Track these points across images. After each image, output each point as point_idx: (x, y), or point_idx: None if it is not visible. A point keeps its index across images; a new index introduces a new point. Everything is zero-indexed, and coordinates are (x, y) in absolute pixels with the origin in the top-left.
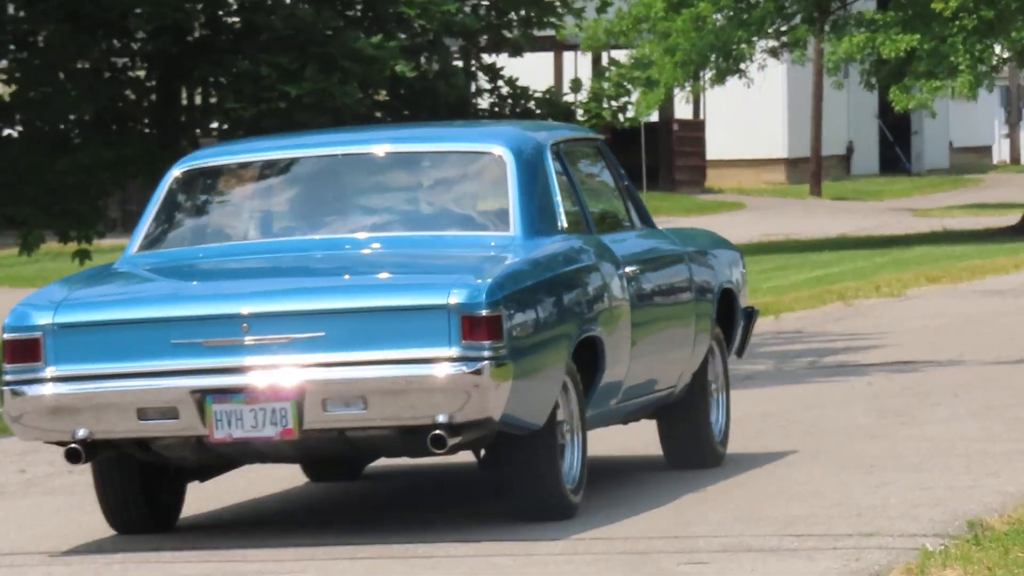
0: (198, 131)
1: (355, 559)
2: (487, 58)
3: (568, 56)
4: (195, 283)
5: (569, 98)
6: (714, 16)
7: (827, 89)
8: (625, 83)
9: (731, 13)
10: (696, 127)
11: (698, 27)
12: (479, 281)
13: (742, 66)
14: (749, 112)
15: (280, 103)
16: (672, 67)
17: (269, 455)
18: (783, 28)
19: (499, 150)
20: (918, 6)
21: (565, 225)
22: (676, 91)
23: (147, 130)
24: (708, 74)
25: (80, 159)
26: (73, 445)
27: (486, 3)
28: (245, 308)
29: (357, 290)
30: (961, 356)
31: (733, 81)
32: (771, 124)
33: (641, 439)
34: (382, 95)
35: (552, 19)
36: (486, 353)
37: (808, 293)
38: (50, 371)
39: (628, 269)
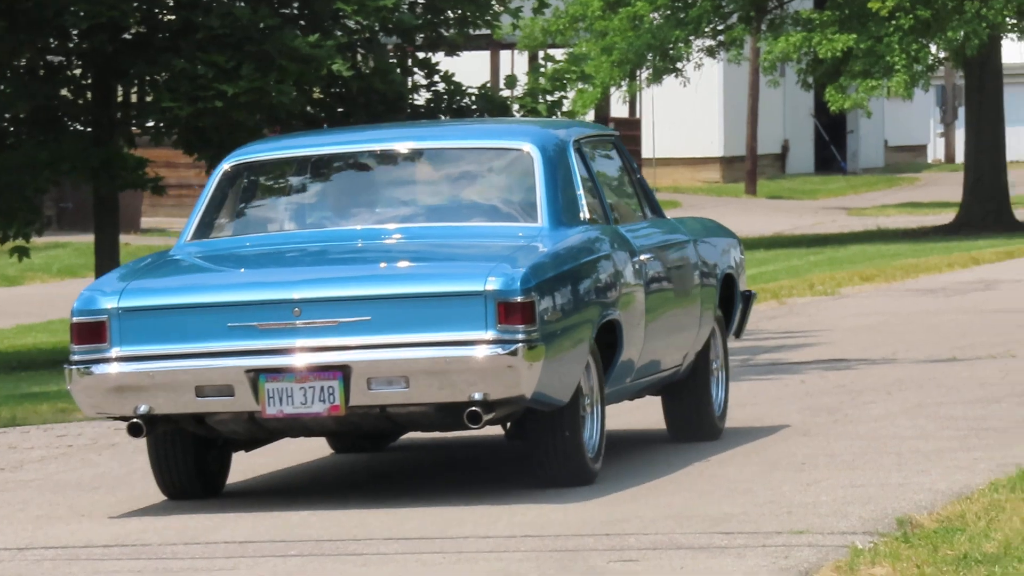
0: (134, 129)
1: (287, 556)
2: (423, 55)
3: (505, 55)
4: (249, 271)
5: (505, 93)
6: (651, 15)
7: (763, 88)
8: (561, 78)
9: (668, 12)
10: (632, 126)
11: (635, 26)
12: (514, 269)
13: (679, 65)
14: (685, 111)
15: (216, 102)
16: (609, 66)
17: (315, 430)
18: (720, 27)
19: (527, 147)
20: (854, 6)
21: (587, 216)
22: (613, 90)
23: (83, 128)
24: (645, 73)
25: (15, 157)
26: (135, 420)
27: (422, 1)
28: (296, 294)
29: (400, 278)
30: (894, 354)
31: (670, 80)
32: (707, 123)
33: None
34: (317, 92)
35: (488, 18)
36: (520, 336)
37: None
38: (115, 351)
39: (642, 257)
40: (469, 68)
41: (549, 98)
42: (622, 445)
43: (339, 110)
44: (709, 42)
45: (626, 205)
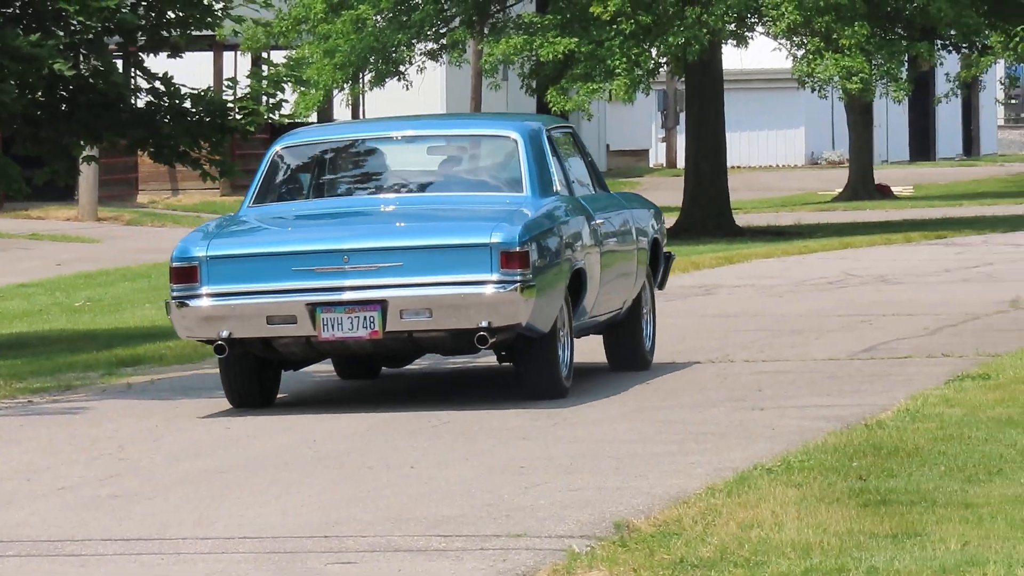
0: None
1: (4, 557)
2: (145, 57)
3: (228, 56)
4: (307, 228)
5: (228, 95)
6: (374, 18)
7: (485, 91)
8: (280, 81)
9: (391, 16)
10: None
11: (358, 29)
12: (511, 227)
13: (401, 68)
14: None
15: None
16: (331, 69)
17: (356, 350)
18: (443, 31)
19: (513, 134)
20: (576, 10)
21: (558, 188)
22: (335, 93)
23: None
24: (367, 76)
25: None
26: (220, 342)
27: (145, 2)
28: (345, 245)
29: (425, 233)
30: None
31: (392, 83)
32: None
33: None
34: (38, 95)
35: (210, 19)
36: (518, 278)
37: None
38: (204, 289)
39: (597, 221)
40: (195, 69)
41: (270, 101)
42: (337, 451)
43: (63, 108)
44: (432, 45)
45: (581, 180)
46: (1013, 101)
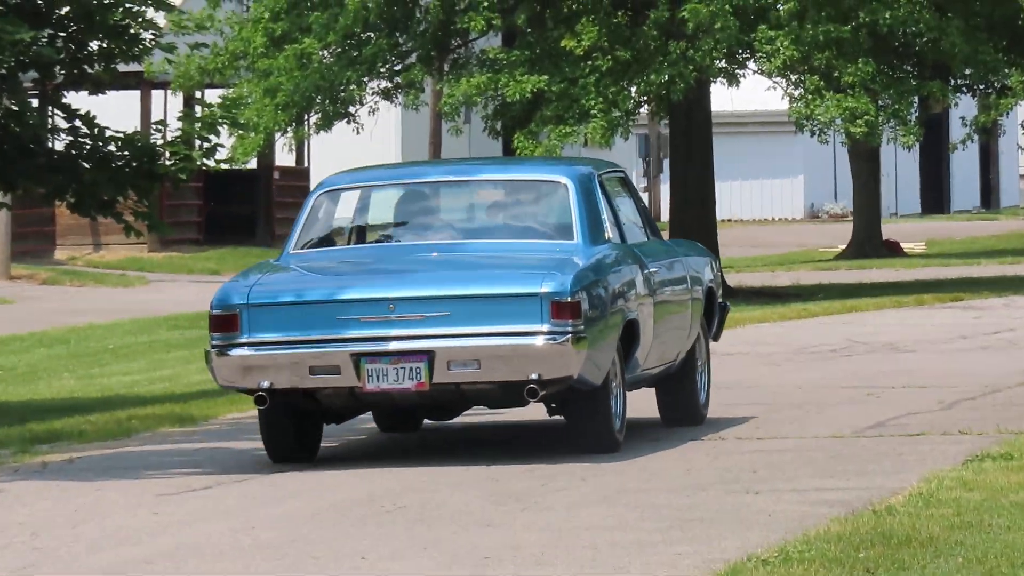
0: None
1: None
2: (65, 95)
3: (158, 96)
4: (351, 276)
5: (157, 138)
6: (320, 53)
7: (445, 136)
8: (216, 123)
9: (340, 51)
10: (299, 175)
11: (302, 65)
12: (563, 276)
13: (351, 109)
14: (359, 161)
15: None
16: (273, 110)
17: (400, 403)
18: (397, 67)
19: (564, 179)
20: (546, 45)
21: (609, 235)
22: (278, 136)
23: None
24: (313, 118)
25: None
26: (260, 393)
27: (63, 34)
28: (392, 293)
29: (473, 282)
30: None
31: (341, 127)
32: None
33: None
34: None
35: (137, 50)
36: (569, 329)
37: None
38: (245, 338)
39: (651, 270)
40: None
41: (205, 145)
42: (279, 539)
43: None
44: (385, 83)
45: (633, 227)
46: None
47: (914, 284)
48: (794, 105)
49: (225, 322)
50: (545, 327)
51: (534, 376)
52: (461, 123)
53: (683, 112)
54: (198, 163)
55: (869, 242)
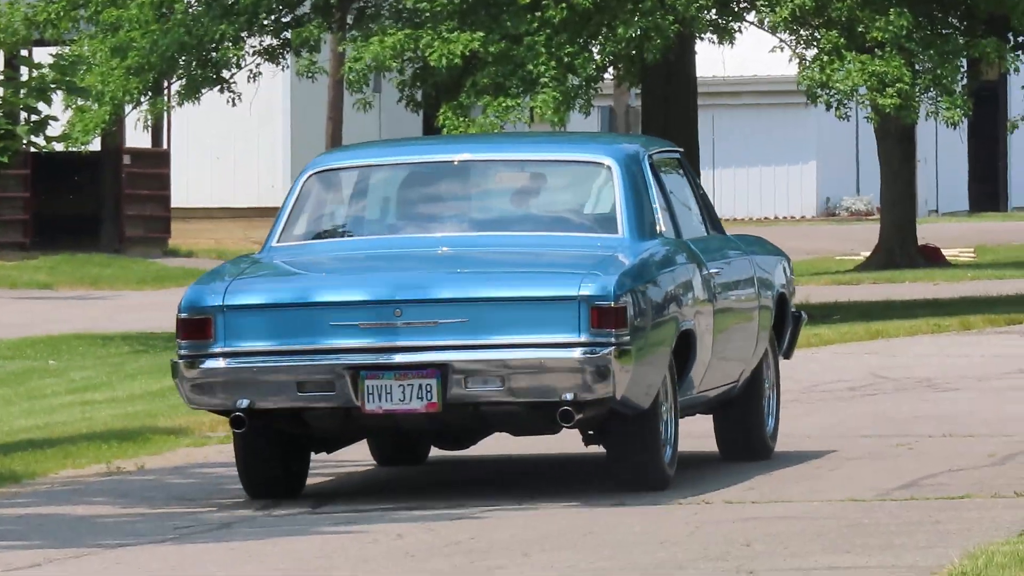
0: None
1: None
2: None
3: None
4: (349, 273)
5: None
6: (186, 2)
7: (348, 110)
8: (49, 89)
9: (211, 1)
10: (158, 161)
11: (161, 17)
12: (606, 277)
13: (225, 74)
14: (236, 141)
15: None
16: (122, 74)
17: (407, 428)
18: (286, 20)
19: (607, 160)
20: None
21: (662, 229)
22: (129, 108)
23: None
24: (175, 85)
25: None
26: (237, 414)
27: None
28: (398, 295)
29: (497, 282)
30: (533, 496)
31: (212, 97)
32: (267, 158)
33: None
34: None
35: None
36: (612, 340)
37: None
38: (219, 348)
39: (711, 271)
40: None
41: (33, 118)
42: None
43: None
44: (270, 41)
45: (691, 220)
46: None
47: (959, 303)
48: (805, 70)
49: (195, 328)
50: (583, 337)
51: (568, 396)
52: (370, 94)
53: (660, 78)
54: (23, 142)
55: (901, 248)
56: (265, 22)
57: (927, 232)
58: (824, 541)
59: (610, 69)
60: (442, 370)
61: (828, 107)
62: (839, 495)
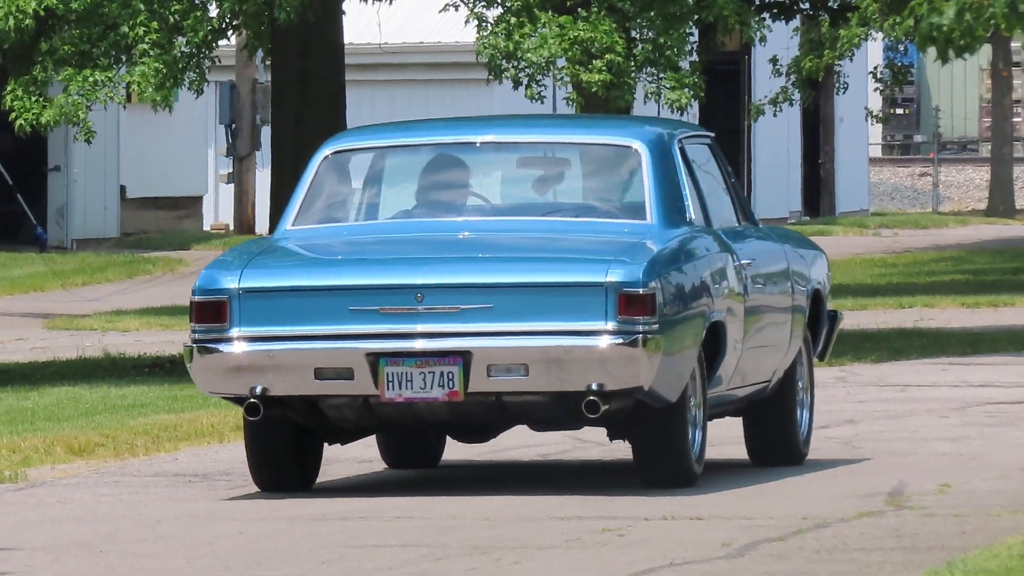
0: None
1: None
2: None
3: None
4: (370, 256)
5: None
6: None
7: None
8: None
9: None
10: None
11: None
12: (634, 263)
13: None
14: None
15: None
16: None
17: (427, 418)
18: None
19: (636, 144)
20: None
21: (692, 216)
22: None
23: None
24: None
25: None
26: (252, 400)
27: None
28: (420, 279)
29: (523, 267)
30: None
31: None
32: None
33: None
34: None
35: None
36: (640, 328)
37: None
38: (235, 332)
39: (743, 262)
40: None
41: None
42: None
43: None
44: None
45: (722, 208)
46: None
47: None
48: (486, 36)
49: (210, 311)
50: (610, 325)
51: (595, 386)
52: None
53: (296, 45)
54: None
55: None
56: None
57: None
58: None
59: (229, 33)
60: (465, 358)
61: (516, 84)
62: None
